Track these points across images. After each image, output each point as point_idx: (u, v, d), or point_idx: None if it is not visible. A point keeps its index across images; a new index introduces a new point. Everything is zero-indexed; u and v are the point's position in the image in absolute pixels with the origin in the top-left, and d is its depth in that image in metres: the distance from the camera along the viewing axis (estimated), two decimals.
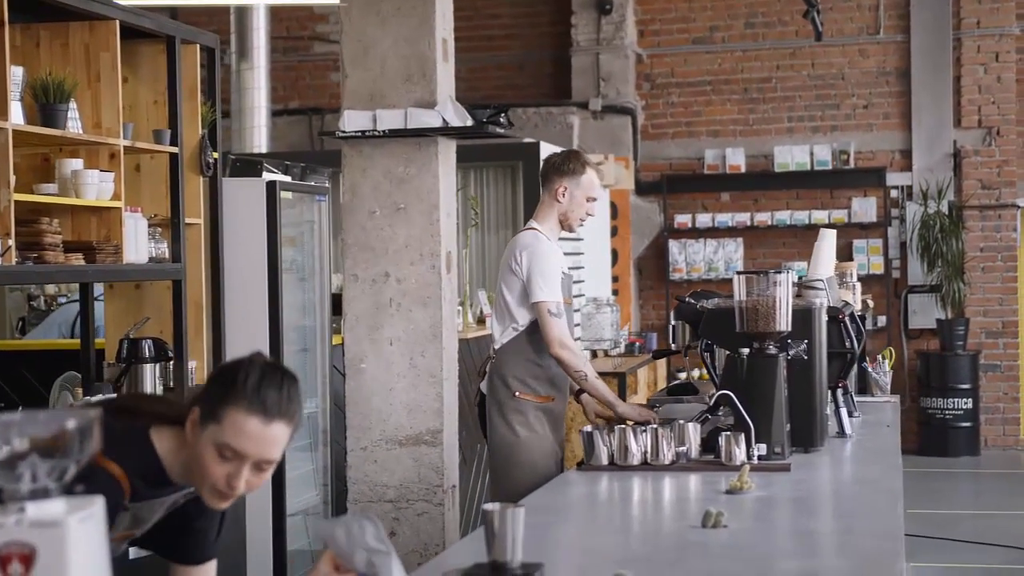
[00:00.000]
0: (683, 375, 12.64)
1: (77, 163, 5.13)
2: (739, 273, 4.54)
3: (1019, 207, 12.96)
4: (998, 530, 9.30)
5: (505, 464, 5.33)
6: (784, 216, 13.12)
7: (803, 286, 5.26)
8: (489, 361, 5.52)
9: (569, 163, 5.46)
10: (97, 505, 1.81)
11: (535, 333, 5.32)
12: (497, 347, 5.44)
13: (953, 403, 12.58)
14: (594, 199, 5.49)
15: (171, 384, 5.73)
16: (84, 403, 5.27)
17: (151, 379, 5.55)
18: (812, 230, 12.94)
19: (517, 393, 5.34)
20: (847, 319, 5.14)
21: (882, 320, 12.92)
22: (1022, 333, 13.12)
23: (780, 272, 4.51)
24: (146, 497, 2.76)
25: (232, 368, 2.71)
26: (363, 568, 2.65)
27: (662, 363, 11.51)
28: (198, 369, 6.00)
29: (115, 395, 4.79)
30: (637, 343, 11.17)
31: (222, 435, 2.63)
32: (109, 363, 5.73)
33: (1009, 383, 12.99)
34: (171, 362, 5.71)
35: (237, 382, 2.66)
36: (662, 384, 10.49)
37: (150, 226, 5.61)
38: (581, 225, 5.59)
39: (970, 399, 12.60)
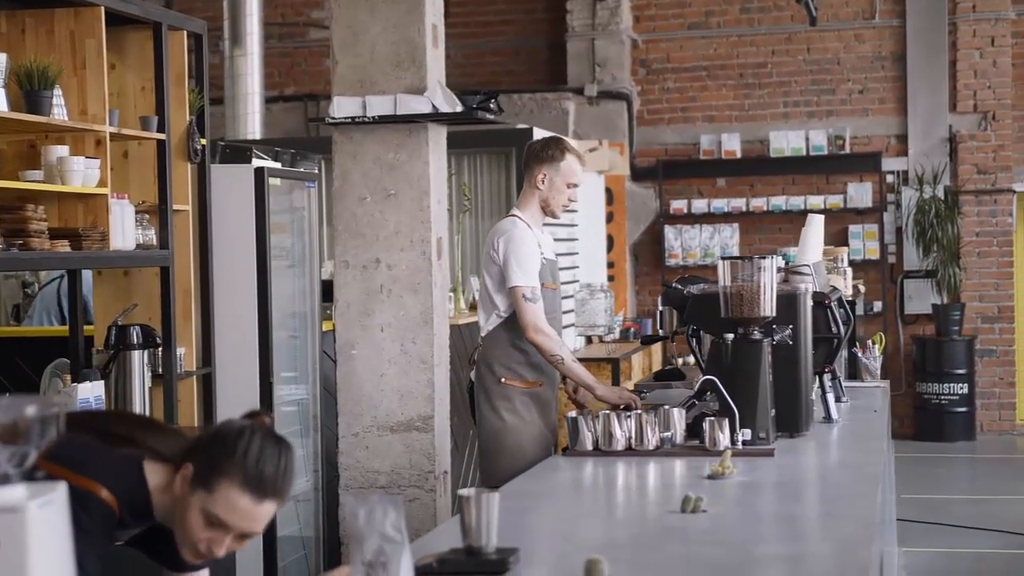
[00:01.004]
0: (679, 361, 12.66)
1: (63, 150, 5.12)
2: (724, 258, 4.55)
3: (1015, 192, 12.95)
4: (993, 515, 9.32)
5: (493, 450, 5.35)
6: (780, 202, 13.11)
7: (789, 271, 5.26)
8: (475, 350, 5.55)
9: (548, 150, 5.47)
10: (58, 491, 1.81)
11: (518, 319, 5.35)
12: (483, 334, 5.47)
13: (949, 388, 12.59)
14: (575, 185, 5.48)
15: (159, 371, 5.73)
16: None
17: (139, 366, 5.55)
18: (808, 216, 12.93)
19: (503, 379, 5.36)
20: (834, 304, 5.14)
21: (878, 305, 12.92)
22: (1018, 318, 13.12)
23: (764, 258, 4.51)
24: (129, 526, 2.74)
25: (232, 435, 2.67)
26: (370, 555, 2.66)
27: (657, 349, 11.52)
28: (187, 356, 6.00)
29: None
30: (632, 329, 11.17)
31: (212, 505, 2.62)
32: (98, 349, 5.73)
33: (1005, 368, 12.99)
34: (159, 349, 5.71)
35: (236, 454, 2.62)
36: (656, 369, 10.49)
37: (138, 213, 5.60)
38: (565, 210, 5.60)
39: (966, 384, 12.61)
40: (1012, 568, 8.09)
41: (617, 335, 10.71)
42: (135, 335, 5.55)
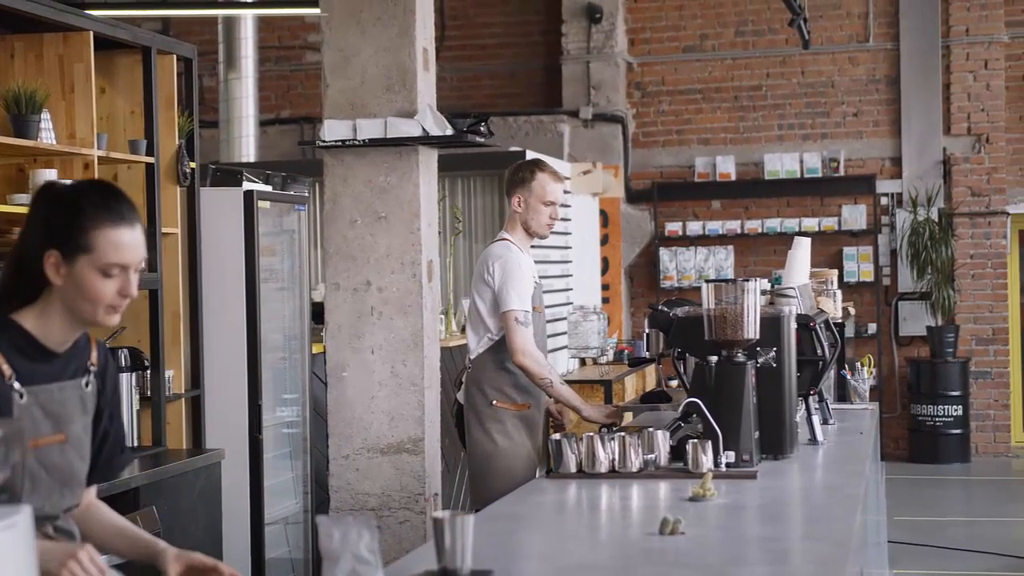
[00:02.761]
0: (674, 383, 12.64)
1: (51, 173, 5.15)
2: (708, 281, 4.56)
3: (1008, 214, 12.98)
4: (987, 537, 9.31)
5: (484, 472, 5.38)
6: (774, 224, 13.14)
7: (775, 294, 5.27)
8: (465, 371, 5.56)
9: (519, 172, 5.63)
10: (22, 514, 1.82)
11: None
12: (472, 356, 5.52)
13: (943, 410, 12.58)
14: (551, 203, 5.56)
15: (148, 394, 5.74)
16: None
17: (127, 388, 5.56)
18: (795, 238, 12.93)
19: (494, 402, 5.42)
20: (819, 326, 5.15)
21: (872, 327, 12.93)
22: (1012, 340, 13.13)
23: (748, 280, 4.52)
24: (38, 379, 2.77)
25: (65, 198, 2.77)
26: None
27: (651, 371, 11.52)
28: (175, 378, 6.02)
29: None
30: (627, 351, 11.17)
31: (102, 258, 2.72)
32: None
33: (999, 390, 12.99)
34: (147, 371, 5.72)
35: (86, 208, 2.73)
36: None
37: None
38: (550, 228, 5.65)
39: (960, 406, 12.61)
40: None
41: (611, 357, 10.72)
42: (123, 358, 5.57)
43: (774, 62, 13.34)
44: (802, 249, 5.66)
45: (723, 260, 13.22)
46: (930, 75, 12.96)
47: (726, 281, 4.55)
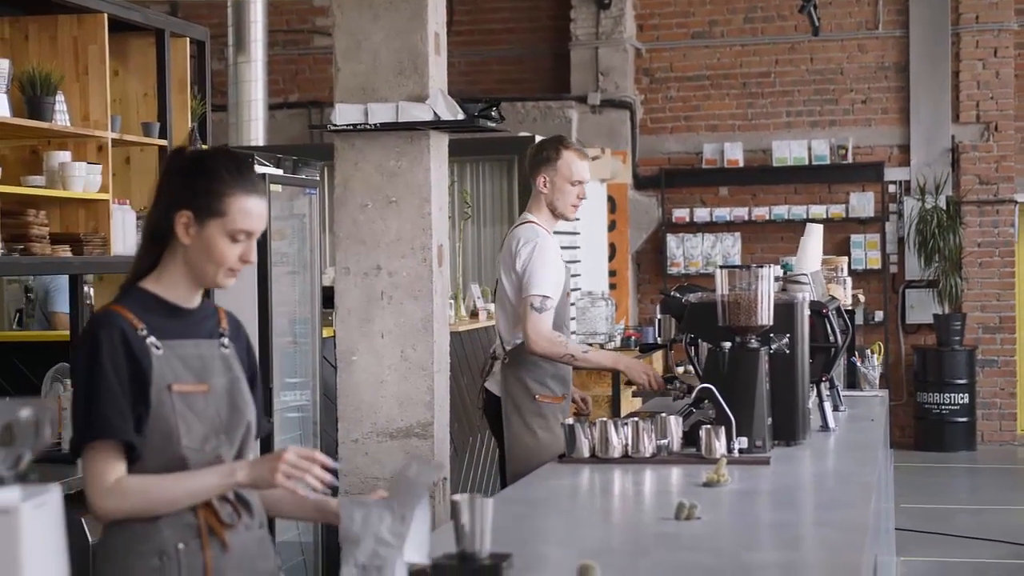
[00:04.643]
0: (680, 369, 12.65)
1: (65, 155, 5.15)
2: (721, 267, 4.55)
3: (1017, 202, 12.97)
4: (993, 525, 9.32)
5: (524, 466, 5.17)
6: (782, 211, 13.13)
7: (787, 280, 5.27)
8: (493, 361, 5.41)
9: (543, 151, 5.43)
10: (52, 493, 1.83)
11: None
12: (509, 347, 5.34)
13: (950, 398, 12.59)
14: (579, 182, 5.40)
15: None
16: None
17: None
18: (807, 225, 12.94)
19: (537, 396, 5.27)
20: (831, 313, 5.15)
21: (879, 315, 12.93)
22: (1019, 328, 13.13)
23: (762, 267, 4.52)
24: (170, 334, 2.89)
25: (201, 163, 2.92)
26: (365, 558, 2.68)
27: (659, 356, 11.52)
28: None
29: None
30: (634, 337, 11.17)
31: (232, 223, 2.87)
32: None
33: (1006, 378, 13.00)
34: None
35: (223, 174, 2.88)
36: None
37: (139, 218, 5.62)
38: (576, 210, 5.49)
39: (967, 394, 12.61)
40: None
41: (618, 343, 10.71)
42: None
43: (783, 49, 13.32)
44: (814, 236, 5.66)
45: (730, 247, 13.21)
46: (939, 63, 12.94)
47: (740, 267, 4.55)
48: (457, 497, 2.79)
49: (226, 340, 3.02)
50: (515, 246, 5.33)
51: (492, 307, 8.50)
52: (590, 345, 10.46)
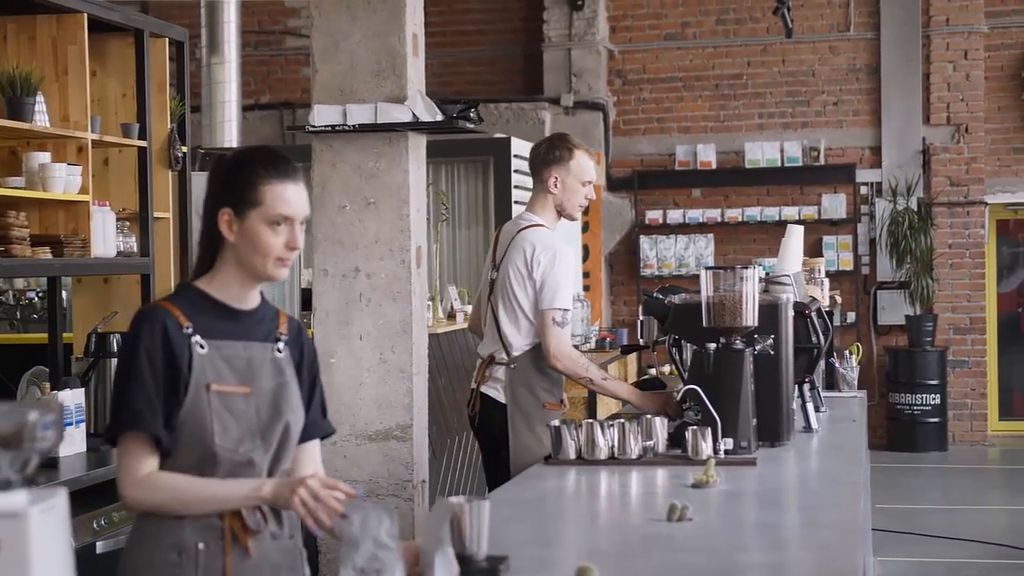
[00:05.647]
0: (652, 370, 12.67)
1: (44, 156, 5.11)
2: (707, 268, 4.55)
3: (987, 204, 13.04)
4: (965, 524, 9.37)
5: None
6: (755, 212, 13.17)
7: (770, 281, 5.28)
8: (494, 366, 5.20)
9: (555, 150, 5.23)
10: (59, 497, 1.81)
11: None
12: (516, 353, 5.15)
13: (921, 399, 12.65)
14: (589, 182, 5.24)
15: None
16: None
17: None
18: (782, 226, 12.86)
19: (546, 404, 5.14)
20: (814, 315, 5.16)
21: (851, 316, 12.98)
22: (989, 329, 13.21)
23: (747, 268, 4.52)
24: (219, 334, 2.93)
25: (237, 161, 3.01)
26: (363, 562, 2.67)
27: (632, 359, 11.54)
28: None
29: None
30: (608, 339, 11.18)
31: (270, 211, 2.91)
32: (77, 357, 5.70)
33: (976, 379, 13.07)
34: None
35: (255, 167, 2.95)
36: (633, 379, 10.51)
37: (118, 220, 5.59)
38: (581, 210, 5.35)
39: (938, 395, 12.68)
40: None
41: (593, 344, 10.72)
42: (115, 343, 5.53)
43: (755, 51, 13.36)
44: (795, 237, 5.67)
45: (703, 248, 13.24)
46: (910, 65, 13.01)
47: (725, 268, 4.55)
48: (454, 499, 2.78)
49: (282, 344, 3.04)
50: (531, 252, 5.12)
51: (468, 309, 8.50)
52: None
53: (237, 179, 2.96)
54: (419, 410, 6.18)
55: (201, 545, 2.88)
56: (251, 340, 2.99)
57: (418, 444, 6.00)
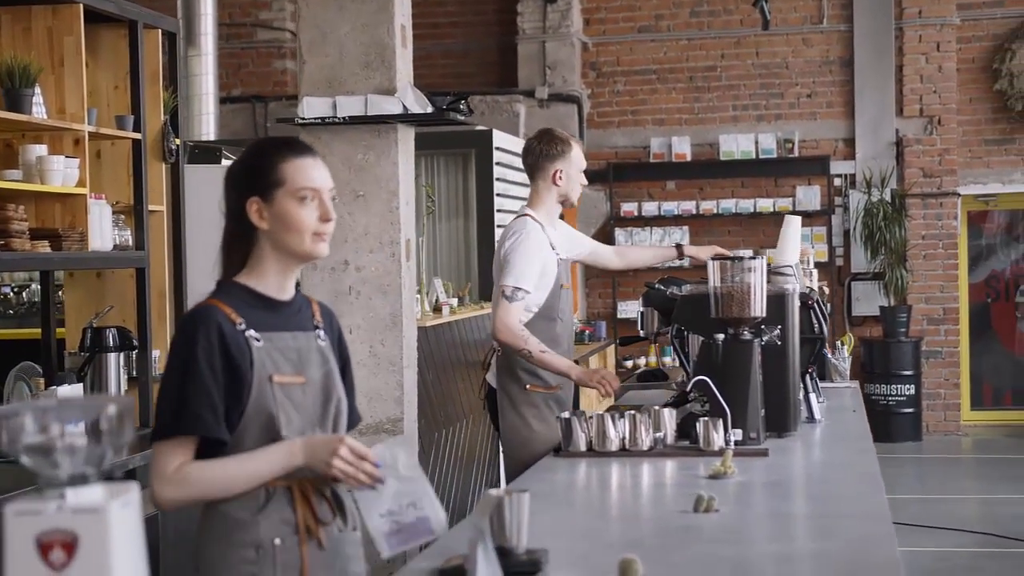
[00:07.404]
0: (630, 363, 12.69)
1: (41, 149, 5.04)
2: (714, 259, 4.54)
3: (959, 195, 13.11)
4: (941, 513, 9.43)
5: (522, 457, 5.14)
6: (729, 204, 13.19)
7: (772, 272, 5.27)
8: (493, 353, 5.38)
9: (555, 145, 5.43)
10: (134, 492, 1.78)
11: (540, 323, 5.24)
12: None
13: (896, 389, 12.71)
14: (583, 169, 5.57)
15: (135, 374, 5.65)
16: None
17: (115, 368, 5.47)
18: (757, 218, 13.06)
19: (528, 386, 5.27)
20: (816, 304, 5.17)
21: (827, 307, 13.01)
22: (963, 320, 13.29)
23: (755, 258, 4.52)
24: (268, 327, 2.92)
25: (251, 153, 3.00)
26: (390, 503, 2.66)
27: (611, 351, 11.55)
28: (162, 358, 5.93)
29: None
30: (587, 332, 11.18)
31: (294, 185, 2.91)
32: (71, 352, 5.64)
33: (950, 369, 13.14)
34: (135, 351, 5.63)
35: (269, 151, 2.96)
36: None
37: (113, 213, 5.53)
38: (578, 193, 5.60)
39: (912, 385, 12.74)
40: (972, 565, 8.17)
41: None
42: (111, 337, 5.48)
43: (729, 43, 13.37)
44: (793, 227, 5.67)
45: (679, 240, 13.24)
46: (883, 57, 13.06)
47: (732, 259, 4.54)
48: (494, 492, 2.75)
49: (322, 333, 3.03)
50: (504, 236, 5.35)
51: (455, 302, 8.48)
52: None
53: (255, 166, 2.95)
54: (409, 403, 6.16)
55: (277, 540, 2.85)
56: (296, 330, 2.98)
57: (408, 437, 5.98)
